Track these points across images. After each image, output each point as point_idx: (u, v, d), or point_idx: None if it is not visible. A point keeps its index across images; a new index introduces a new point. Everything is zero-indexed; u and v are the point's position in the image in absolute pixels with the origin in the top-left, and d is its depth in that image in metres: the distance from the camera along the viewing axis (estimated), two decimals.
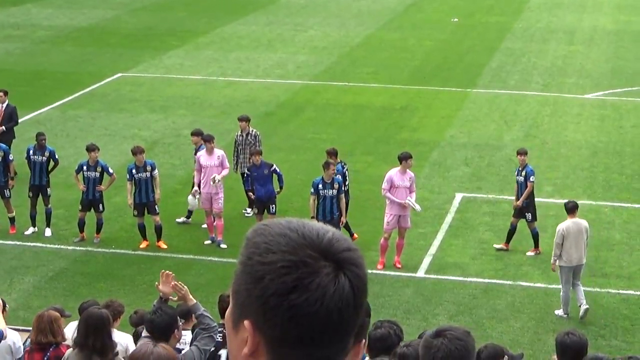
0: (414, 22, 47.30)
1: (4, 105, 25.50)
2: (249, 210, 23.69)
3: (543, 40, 43.55)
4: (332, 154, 22.07)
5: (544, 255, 21.84)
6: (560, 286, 19.24)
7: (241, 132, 23.71)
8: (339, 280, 2.53)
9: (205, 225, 22.94)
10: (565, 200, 20.43)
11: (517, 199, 21.78)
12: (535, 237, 21.87)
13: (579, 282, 19.11)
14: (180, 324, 10.82)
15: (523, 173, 21.76)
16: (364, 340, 2.76)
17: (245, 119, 23.91)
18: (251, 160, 22.39)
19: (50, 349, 11.81)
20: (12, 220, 22.91)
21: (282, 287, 2.52)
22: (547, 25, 46.65)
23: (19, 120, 26.38)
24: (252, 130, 23.82)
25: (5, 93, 25.80)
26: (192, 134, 23.62)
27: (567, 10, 50.41)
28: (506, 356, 11.32)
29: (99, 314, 10.25)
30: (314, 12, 49.49)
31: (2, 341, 13.34)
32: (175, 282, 10.62)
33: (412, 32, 45.05)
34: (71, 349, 9.23)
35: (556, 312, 19.50)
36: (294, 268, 2.52)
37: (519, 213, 21.85)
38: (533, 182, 21.70)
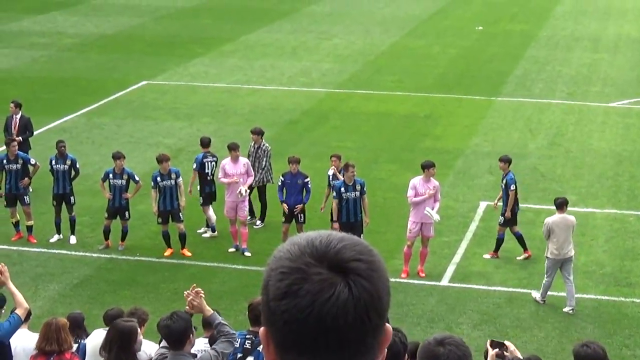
0: (438, 30, 47.29)
1: (18, 116, 25.58)
2: (258, 222, 23.75)
3: (568, 48, 43.48)
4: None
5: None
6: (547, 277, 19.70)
7: (254, 144, 23.66)
8: (336, 288, 2.53)
9: (259, 224, 23.14)
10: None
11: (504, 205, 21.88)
12: (499, 242, 22.04)
13: (570, 278, 19.59)
14: (194, 329, 10.88)
15: (504, 181, 21.73)
16: None
17: (258, 132, 23.77)
18: (289, 168, 22.32)
19: (54, 356, 11.93)
20: (29, 228, 22.99)
21: (277, 293, 2.56)
22: (572, 33, 46.56)
23: (45, 128, 26.51)
24: (264, 145, 23.75)
25: (18, 105, 25.85)
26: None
27: (592, 18, 50.32)
28: None
29: (127, 327, 10.31)
30: (338, 20, 49.54)
31: (25, 344, 13.43)
32: (188, 292, 10.69)
33: (436, 39, 45.05)
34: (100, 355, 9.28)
35: (533, 294, 20.06)
36: (288, 274, 2.55)
37: (507, 222, 21.92)
38: (514, 190, 21.65)
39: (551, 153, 29.19)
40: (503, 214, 21.76)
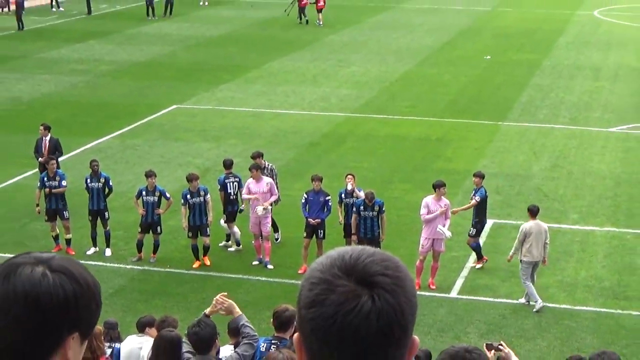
0: (449, 59, 47.35)
1: (47, 138, 25.67)
2: (277, 235, 23.82)
3: (570, 76, 43.49)
4: (318, 179, 22.28)
5: (569, 279, 21.88)
6: (525, 281, 20.21)
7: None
8: (360, 300, 2.51)
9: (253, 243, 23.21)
10: (589, 227, 20.39)
11: (475, 217, 22.16)
12: (477, 249, 22.34)
13: (534, 278, 20.42)
14: (218, 334, 11.01)
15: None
16: None
17: (256, 156, 23.50)
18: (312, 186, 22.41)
19: None
20: (68, 241, 23.19)
21: (306, 301, 2.56)
22: (575, 63, 46.57)
23: (82, 148, 26.58)
24: (268, 165, 23.75)
25: (47, 127, 25.91)
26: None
27: (594, 49, 50.33)
28: None
29: (169, 337, 10.41)
30: (356, 49, 49.66)
31: None
32: (218, 298, 10.83)
33: (447, 68, 45.12)
34: None
35: (535, 309, 20.24)
36: (317, 284, 2.55)
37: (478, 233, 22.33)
38: (478, 200, 21.98)
39: (554, 174, 29.21)
40: (474, 226, 22.12)
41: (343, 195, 21.90)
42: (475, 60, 46.91)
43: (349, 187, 21.96)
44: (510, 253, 20.67)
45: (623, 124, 35.18)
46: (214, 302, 10.90)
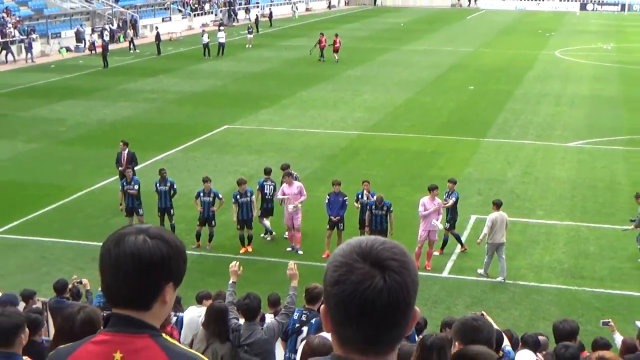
0: (441, 89, 47.27)
1: (126, 152, 25.75)
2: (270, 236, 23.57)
3: (537, 102, 43.31)
4: (338, 183, 22.31)
5: (536, 262, 21.77)
6: (498, 258, 20.51)
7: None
8: (375, 280, 2.53)
9: (286, 236, 23.13)
10: (553, 222, 20.29)
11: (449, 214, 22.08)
12: (458, 238, 22.43)
13: (503, 257, 20.46)
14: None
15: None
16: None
17: (287, 167, 23.29)
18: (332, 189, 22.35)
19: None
20: None
21: (331, 280, 2.58)
22: (540, 92, 46.38)
23: (153, 160, 26.61)
24: (294, 173, 23.27)
25: (126, 143, 26.00)
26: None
27: (556, 81, 50.14)
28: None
29: (218, 307, 10.38)
30: (367, 82, 49.63)
31: None
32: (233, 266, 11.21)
33: (439, 96, 45.03)
34: (201, 326, 9.34)
35: (479, 270, 20.82)
36: (339, 267, 2.57)
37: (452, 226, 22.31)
38: (454, 200, 21.98)
39: (524, 180, 29.10)
40: (449, 221, 22.11)
41: (360, 196, 21.86)
42: (461, 90, 46.79)
43: (364, 193, 21.89)
44: (480, 237, 20.81)
45: (578, 140, 35.02)
46: (233, 270, 11.23)
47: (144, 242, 2.89)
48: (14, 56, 56.99)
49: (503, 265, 20.48)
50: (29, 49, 57.91)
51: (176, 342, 3.05)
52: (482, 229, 21.08)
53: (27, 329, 6.85)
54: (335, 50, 58.04)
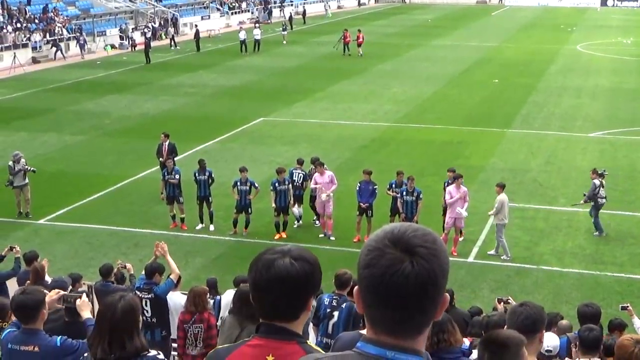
0: (466, 83, 46.92)
1: (166, 143, 25.73)
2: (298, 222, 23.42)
3: (559, 95, 42.84)
4: (368, 173, 22.09)
5: (559, 248, 21.50)
6: (501, 239, 20.77)
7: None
8: (403, 265, 2.49)
9: (318, 224, 23.03)
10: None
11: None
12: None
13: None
14: None
15: (414, 193, 21.21)
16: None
17: (317, 159, 23.10)
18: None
19: (196, 315, 11.94)
20: (182, 220, 23.27)
21: (363, 264, 2.55)
22: (562, 85, 45.89)
23: (192, 151, 26.64)
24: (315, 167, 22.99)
25: (167, 135, 25.97)
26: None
27: (576, 74, 49.57)
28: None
29: (247, 290, 10.26)
30: (397, 76, 49.37)
31: (176, 301, 13.51)
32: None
33: (465, 89, 44.69)
34: (227, 313, 9.25)
35: (503, 257, 20.65)
36: (372, 251, 2.54)
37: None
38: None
39: (547, 169, 28.79)
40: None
41: (404, 193, 21.35)
42: (486, 83, 46.39)
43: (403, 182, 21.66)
44: (491, 212, 20.95)
45: (599, 131, 34.60)
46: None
47: (291, 265, 3.21)
48: (63, 54, 57.41)
49: (504, 244, 20.63)
50: (83, 45, 58.74)
51: (319, 349, 3.32)
52: (517, 220, 20.84)
53: (47, 305, 6.99)
54: (359, 45, 58.05)
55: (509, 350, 4.75)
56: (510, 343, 4.80)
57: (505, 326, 5.28)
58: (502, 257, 20.64)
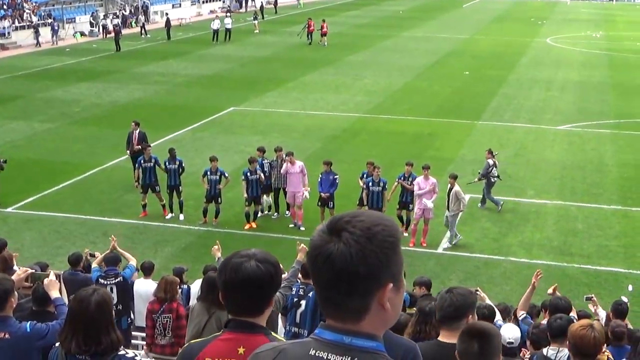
0: (438, 74, 47.06)
1: (137, 132, 25.59)
2: (275, 214, 23.41)
3: (529, 87, 43.11)
4: (328, 163, 22.14)
5: (527, 239, 21.68)
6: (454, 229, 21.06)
7: (276, 158, 22.93)
8: (329, 245, 2.48)
9: (288, 214, 23.02)
10: (543, 201, 20.18)
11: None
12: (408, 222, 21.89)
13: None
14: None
15: (380, 184, 21.21)
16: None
17: (279, 149, 23.09)
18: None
19: (165, 303, 11.91)
20: (163, 206, 23.12)
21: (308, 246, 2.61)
22: (532, 77, 46.18)
23: (163, 140, 26.50)
24: (284, 156, 22.78)
25: (137, 123, 25.78)
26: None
27: (547, 67, 49.89)
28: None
29: (214, 277, 10.30)
30: (368, 67, 49.41)
31: (145, 289, 13.49)
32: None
33: (436, 81, 44.83)
34: (196, 301, 9.26)
35: (454, 242, 21.07)
36: (313, 235, 2.58)
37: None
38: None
39: (516, 161, 28.99)
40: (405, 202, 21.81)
41: (370, 184, 21.25)
42: (457, 75, 46.57)
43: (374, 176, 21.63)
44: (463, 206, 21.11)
45: (568, 124, 34.88)
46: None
47: (257, 267, 3.59)
48: (38, 40, 57.00)
49: (455, 232, 21.16)
50: (56, 31, 58.58)
51: (282, 339, 3.68)
52: (485, 211, 20.95)
53: (15, 293, 6.99)
54: (323, 35, 58.64)
55: (494, 339, 4.88)
56: (493, 332, 4.94)
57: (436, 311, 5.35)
58: (452, 243, 20.94)
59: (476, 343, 4.81)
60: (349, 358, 2.53)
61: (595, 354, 5.56)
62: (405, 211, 21.60)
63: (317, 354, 2.56)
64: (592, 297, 13.74)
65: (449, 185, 20.80)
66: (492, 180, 23.47)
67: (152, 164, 22.97)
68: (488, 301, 11.26)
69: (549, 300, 10.68)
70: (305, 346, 2.61)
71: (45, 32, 58.37)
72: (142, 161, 23.11)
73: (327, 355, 2.55)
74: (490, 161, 23.42)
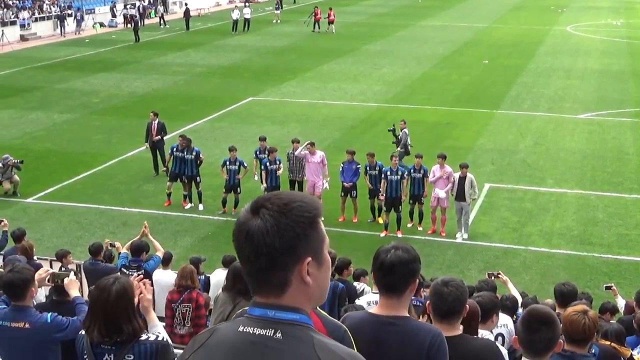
0: (456, 63, 46.85)
1: (156, 122, 25.60)
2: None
3: (548, 76, 42.83)
4: (351, 152, 22.00)
5: (547, 229, 21.55)
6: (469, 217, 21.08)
7: (292, 150, 22.70)
8: (249, 221, 2.61)
9: None
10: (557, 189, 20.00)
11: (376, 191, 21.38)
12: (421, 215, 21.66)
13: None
14: None
15: (399, 172, 20.82)
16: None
17: (297, 141, 22.92)
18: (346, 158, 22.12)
19: (186, 292, 11.90)
20: (185, 197, 23.07)
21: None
22: (551, 66, 45.87)
23: (181, 130, 26.53)
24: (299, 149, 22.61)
25: (156, 114, 25.81)
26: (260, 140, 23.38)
27: (566, 55, 49.55)
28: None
29: (239, 267, 10.24)
30: (386, 56, 49.26)
31: (165, 279, 13.49)
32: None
33: (454, 70, 44.63)
34: (221, 290, 9.24)
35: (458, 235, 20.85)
36: (240, 213, 2.71)
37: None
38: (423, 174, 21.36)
39: (535, 150, 28.81)
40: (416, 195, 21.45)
41: (388, 173, 20.87)
42: (476, 64, 46.35)
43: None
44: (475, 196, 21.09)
45: (588, 112, 34.63)
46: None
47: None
48: (63, 30, 57.44)
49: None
50: (79, 22, 59.18)
51: None
52: (506, 201, 20.86)
53: (36, 283, 7.01)
54: (330, 22, 59.00)
55: (551, 325, 4.85)
56: (553, 317, 4.91)
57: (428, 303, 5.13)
58: (464, 236, 20.80)
59: (544, 328, 4.78)
60: (273, 330, 2.62)
61: (586, 340, 5.51)
62: (417, 205, 21.40)
63: (244, 330, 2.66)
64: (611, 285, 13.67)
65: (460, 174, 20.65)
66: (409, 149, 24.94)
67: (184, 154, 22.76)
68: (510, 285, 11.18)
69: (556, 288, 10.58)
70: (236, 324, 2.71)
71: (68, 23, 58.68)
72: (174, 149, 22.90)
73: (253, 329, 2.64)
74: (407, 130, 25.32)
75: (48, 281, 7.23)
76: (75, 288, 7.24)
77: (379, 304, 4.41)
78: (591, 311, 5.83)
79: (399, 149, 24.85)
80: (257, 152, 22.88)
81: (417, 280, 4.38)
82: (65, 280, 7.19)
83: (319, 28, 59.43)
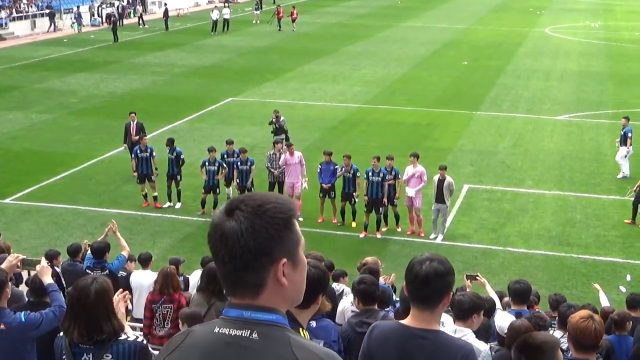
0: (436, 64, 47.00)
1: (135, 122, 25.58)
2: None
3: (527, 77, 43.05)
4: (328, 154, 22.01)
5: (525, 229, 21.67)
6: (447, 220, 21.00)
7: (274, 151, 22.78)
8: (223, 222, 2.62)
9: None
10: (542, 191, 20.14)
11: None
12: (397, 217, 21.65)
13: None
14: None
15: (380, 174, 20.88)
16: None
17: (278, 142, 23.21)
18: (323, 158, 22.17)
19: (165, 295, 11.85)
20: (155, 198, 23.15)
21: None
22: (531, 67, 46.11)
23: (160, 130, 26.43)
24: (280, 151, 22.77)
25: (135, 113, 25.83)
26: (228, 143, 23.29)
27: (545, 57, 49.82)
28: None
29: (214, 268, 10.24)
30: (367, 57, 49.34)
31: (145, 280, 13.45)
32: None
33: (435, 71, 44.77)
34: (195, 292, 9.24)
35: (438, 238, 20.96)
36: (214, 215, 2.74)
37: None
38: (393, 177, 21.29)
39: (514, 151, 28.95)
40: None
41: (370, 174, 20.92)
42: (456, 65, 46.51)
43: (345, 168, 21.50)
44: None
45: (567, 114, 34.85)
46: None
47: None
48: (54, 24, 57.38)
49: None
50: (78, 19, 59.76)
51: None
52: (485, 202, 20.94)
53: (10, 284, 7.00)
54: (293, 21, 60.29)
55: (544, 355, 4.90)
56: (545, 347, 4.94)
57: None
58: (439, 238, 20.97)
59: (524, 356, 4.85)
60: (249, 331, 2.63)
61: (597, 345, 5.55)
62: (391, 207, 21.46)
63: (220, 331, 2.67)
64: (476, 275, 13.37)
65: (439, 177, 20.62)
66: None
67: (147, 154, 22.99)
68: (488, 287, 11.22)
69: (510, 286, 10.59)
70: (211, 325, 2.72)
71: (40, 23, 58.36)
72: (138, 151, 23.13)
73: (229, 330, 2.65)
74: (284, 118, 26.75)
75: (18, 267, 7.23)
76: (48, 274, 7.24)
77: (410, 314, 4.28)
78: (596, 315, 5.88)
79: (282, 135, 25.62)
80: (224, 155, 22.75)
81: (451, 293, 4.26)
82: (37, 266, 7.19)
83: (281, 27, 60.90)
